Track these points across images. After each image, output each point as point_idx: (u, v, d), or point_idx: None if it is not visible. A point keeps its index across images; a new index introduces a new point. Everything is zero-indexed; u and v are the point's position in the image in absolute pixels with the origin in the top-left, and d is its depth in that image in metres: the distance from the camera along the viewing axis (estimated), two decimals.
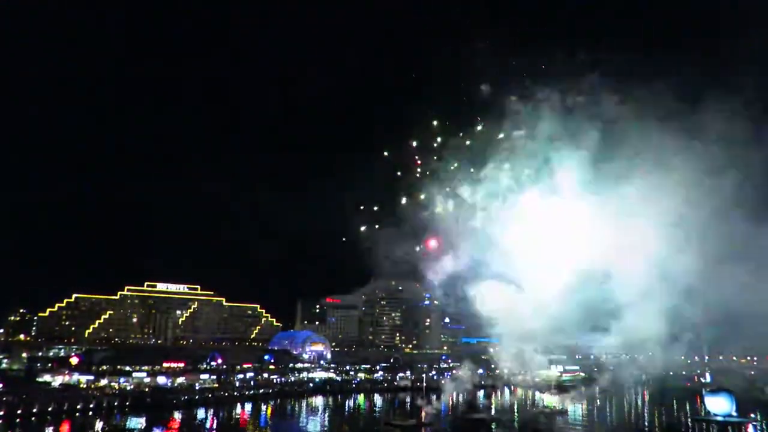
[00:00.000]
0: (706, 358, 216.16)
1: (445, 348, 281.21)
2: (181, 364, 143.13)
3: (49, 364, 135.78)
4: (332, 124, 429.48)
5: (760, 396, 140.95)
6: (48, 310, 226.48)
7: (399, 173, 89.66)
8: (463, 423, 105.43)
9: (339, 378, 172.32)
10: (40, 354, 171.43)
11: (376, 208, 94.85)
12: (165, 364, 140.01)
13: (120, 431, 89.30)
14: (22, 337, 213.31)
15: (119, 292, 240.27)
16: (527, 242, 78.33)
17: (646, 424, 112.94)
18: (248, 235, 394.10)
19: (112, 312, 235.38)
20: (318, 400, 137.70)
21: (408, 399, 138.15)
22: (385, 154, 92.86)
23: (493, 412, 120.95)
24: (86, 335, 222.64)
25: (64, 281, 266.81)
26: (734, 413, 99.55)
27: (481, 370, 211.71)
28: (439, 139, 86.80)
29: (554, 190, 77.73)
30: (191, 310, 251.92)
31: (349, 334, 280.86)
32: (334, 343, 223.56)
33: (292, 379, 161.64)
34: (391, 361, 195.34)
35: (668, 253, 71.23)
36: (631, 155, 73.74)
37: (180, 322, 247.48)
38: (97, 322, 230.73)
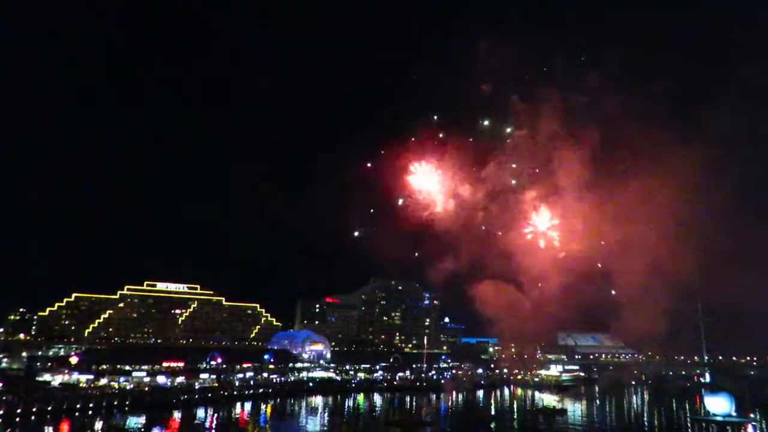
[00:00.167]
0: (706, 358, 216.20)
1: (445, 348, 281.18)
2: (181, 364, 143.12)
3: (49, 364, 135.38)
4: (332, 124, 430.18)
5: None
6: (48, 309, 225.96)
7: (398, 173, 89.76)
8: (467, 422, 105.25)
9: (339, 377, 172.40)
10: (39, 353, 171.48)
11: (374, 210, 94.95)
12: (165, 364, 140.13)
13: (120, 431, 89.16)
14: (21, 336, 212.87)
15: (119, 292, 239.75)
16: (527, 242, 78.44)
17: (645, 424, 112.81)
18: (248, 234, 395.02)
19: (111, 311, 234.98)
20: (318, 400, 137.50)
21: (408, 398, 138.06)
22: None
23: (492, 411, 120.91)
24: (86, 334, 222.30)
25: (64, 280, 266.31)
26: (734, 413, 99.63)
27: (480, 370, 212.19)
28: (440, 136, 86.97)
29: (554, 190, 77.89)
30: (191, 309, 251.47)
31: (348, 334, 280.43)
32: (333, 343, 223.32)
33: (292, 378, 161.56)
34: (391, 360, 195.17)
35: (668, 253, 71.30)
36: (631, 155, 73.89)
37: (180, 322, 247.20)
38: (97, 321, 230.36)
